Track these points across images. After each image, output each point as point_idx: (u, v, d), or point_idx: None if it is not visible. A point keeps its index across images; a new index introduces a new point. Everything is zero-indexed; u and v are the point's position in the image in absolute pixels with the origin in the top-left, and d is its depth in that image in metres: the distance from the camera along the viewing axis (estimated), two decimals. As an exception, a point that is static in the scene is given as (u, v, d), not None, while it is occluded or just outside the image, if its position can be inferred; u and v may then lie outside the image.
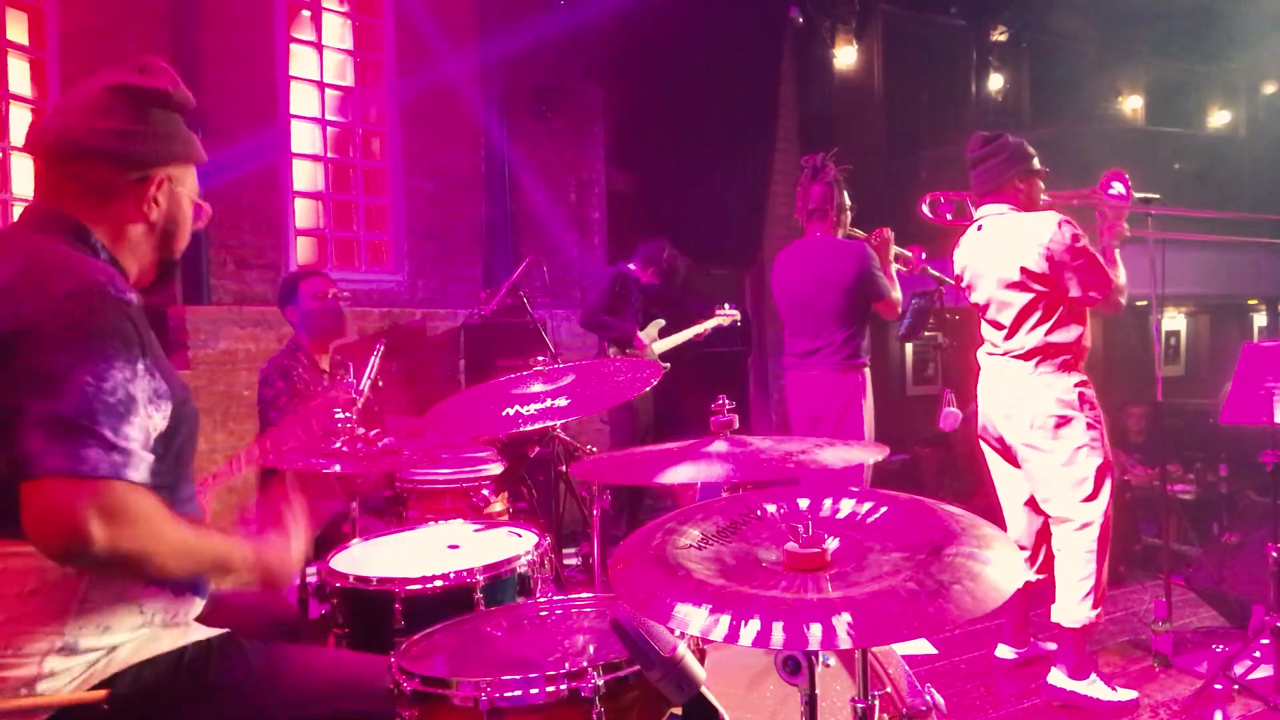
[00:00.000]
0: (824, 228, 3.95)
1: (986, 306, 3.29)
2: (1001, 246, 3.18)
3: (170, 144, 1.57)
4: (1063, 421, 3.08)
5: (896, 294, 3.94)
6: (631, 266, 5.28)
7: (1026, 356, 3.14)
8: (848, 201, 3.99)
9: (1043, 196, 3.27)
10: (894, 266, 4.02)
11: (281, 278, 3.81)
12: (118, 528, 1.28)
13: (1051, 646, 3.26)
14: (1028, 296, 3.12)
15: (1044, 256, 3.05)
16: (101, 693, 1.40)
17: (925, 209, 3.47)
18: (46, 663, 1.37)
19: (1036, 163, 3.25)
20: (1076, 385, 3.11)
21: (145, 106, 1.54)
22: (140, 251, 1.59)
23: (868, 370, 3.97)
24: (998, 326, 3.26)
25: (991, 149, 3.25)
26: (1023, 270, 3.10)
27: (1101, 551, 3.08)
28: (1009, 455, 3.30)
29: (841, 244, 3.93)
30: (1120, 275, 3.12)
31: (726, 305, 5.49)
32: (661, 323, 5.32)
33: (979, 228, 3.30)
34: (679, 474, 1.54)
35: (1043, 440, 3.11)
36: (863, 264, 3.84)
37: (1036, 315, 3.12)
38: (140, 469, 1.34)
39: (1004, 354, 3.22)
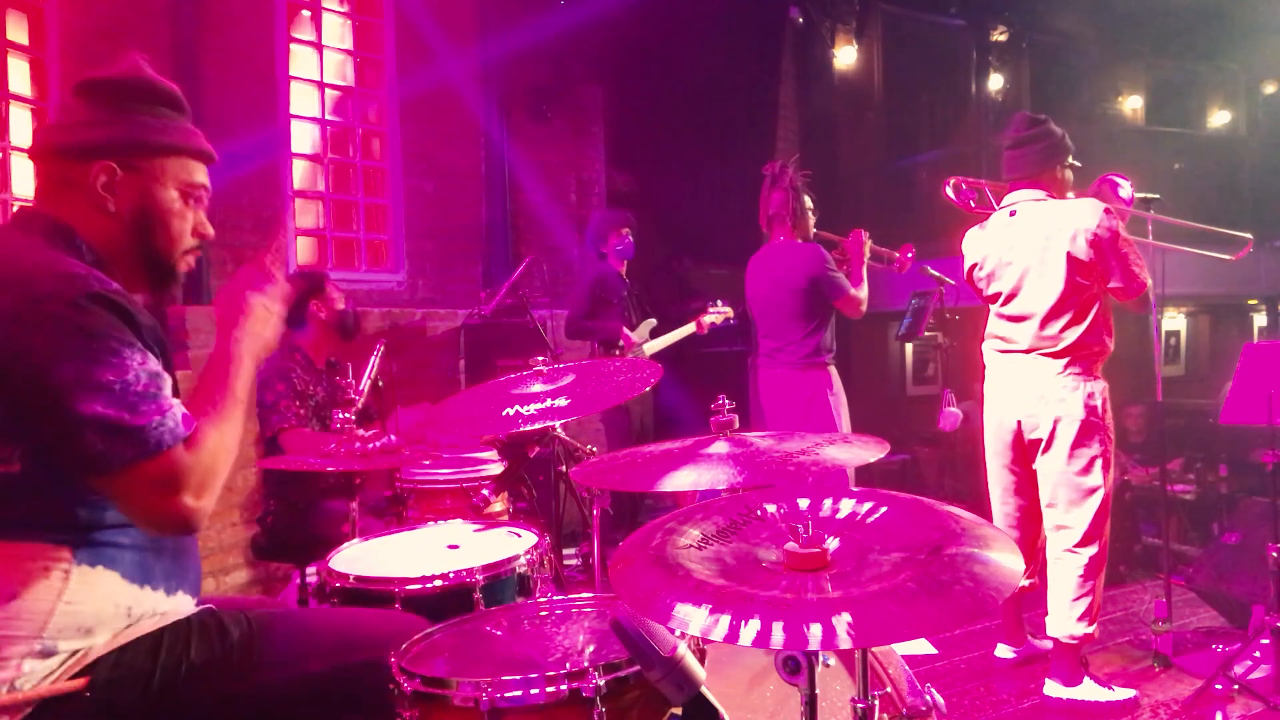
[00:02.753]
0: (784, 231, 4.08)
1: (1010, 298, 3.17)
2: (1041, 234, 3.06)
3: (128, 130, 1.51)
4: (1086, 429, 3.02)
5: (859, 293, 4.00)
6: (611, 262, 5.15)
7: (1057, 355, 3.05)
8: (808, 204, 4.08)
9: (1069, 193, 3.20)
10: (866, 267, 4.08)
11: (296, 274, 3.81)
12: (203, 492, 1.40)
13: (1047, 644, 3.26)
14: (1066, 288, 3.02)
15: (1091, 244, 2.96)
16: (80, 681, 1.39)
17: (949, 191, 3.37)
18: (25, 665, 1.36)
19: (1072, 156, 3.18)
20: (1101, 392, 3.06)
21: (100, 98, 1.51)
22: (117, 248, 1.54)
23: (832, 368, 4.04)
24: (1022, 319, 3.13)
25: (1038, 132, 3.14)
26: (1069, 259, 2.99)
27: (1098, 571, 3.05)
28: (1019, 455, 3.21)
29: (797, 247, 4.03)
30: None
31: (719, 302, 5.37)
32: (653, 322, 5.22)
33: (1011, 213, 3.18)
34: (681, 480, 1.54)
35: (1064, 443, 3.04)
36: (814, 266, 3.94)
37: (1072, 311, 3.03)
38: (185, 420, 1.42)
39: (1028, 350, 3.11)
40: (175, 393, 1.48)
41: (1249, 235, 3.61)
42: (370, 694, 1.48)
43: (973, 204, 3.41)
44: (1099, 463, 3.03)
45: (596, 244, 5.10)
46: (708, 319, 5.26)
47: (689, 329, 5.19)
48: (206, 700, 1.48)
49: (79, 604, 1.39)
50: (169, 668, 1.46)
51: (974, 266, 3.36)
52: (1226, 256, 3.68)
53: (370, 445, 2.40)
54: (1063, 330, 3.05)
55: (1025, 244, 3.12)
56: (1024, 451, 3.20)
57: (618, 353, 4.98)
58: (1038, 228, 3.08)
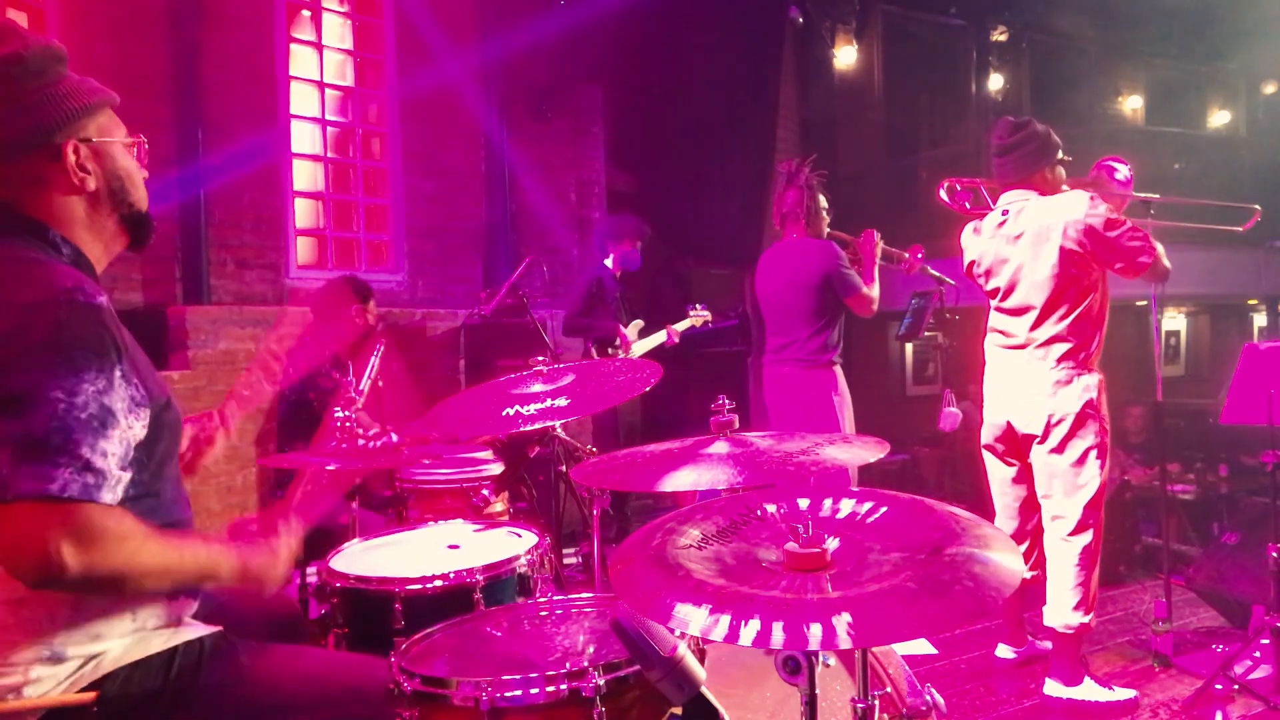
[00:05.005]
0: (798, 230, 4.08)
1: (1007, 294, 3.21)
2: (1033, 230, 3.10)
3: (61, 103, 1.42)
4: (1081, 421, 3.04)
5: (871, 291, 4.00)
6: (608, 263, 5.25)
7: (1049, 345, 3.08)
8: (823, 204, 4.09)
9: (1063, 186, 3.22)
10: (877, 266, 4.08)
11: (351, 276, 3.89)
12: (91, 552, 1.23)
13: (1048, 645, 3.26)
14: (1059, 283, 3.05)
15: (1083, 232, 2.98)
16: (90, 695, 1.38)
17: (943, 194, 3.39)
18: (33, 670, 1.35)
19: (1061, 151, 3.21)
20: (1097, 385, 3.07)
21: (10, 80, 1.39)
22: (98, 224, 1.49)
23: (839, 367, 4.05)
24: (1019, 313, 3.17)
25: (1022, 137, 3.18)
26: (1062, 252, 3.02)
27: (1093, 559, 3.07)
28: (1013, 449, 3.25)
29: (810, 244, 4.03)
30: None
31: (698, 305, 5.49)
32: (640, 323, 5.31)
33: (1003, 213, 3.23)
34: (681, 480, 1.53)
35: (1057, 437, 3.06)
36: (827, 263, 3.94)
37: (1066, 305, 3.06)
38: (115, 489, 1.28)
39: (1024, 345, 3.15)
40: (166, 426, 1.45)
41: (1256, 206, 3.61)
42: None
43: (968, 205, 3.42)
44: (1094, 454, 3.05)
45: (606, 240, 5.23)
46: (684, 324, 5.40)
47: (663, 336, 5.33)
48: None
49: (88, 609, 1.39)
50: (180, 688, 1.46)
51: (972, 264, 3.41)
52: (1237, 228, 3.69)
53: (371, 444, 2.40)
54: (1057, 324, 3.08)
55: (1019, 241, 3.16)
56: (1018, 444, 3.23)
57: (611, 352, 5.02)
58: (1029, 224, 3.13)
